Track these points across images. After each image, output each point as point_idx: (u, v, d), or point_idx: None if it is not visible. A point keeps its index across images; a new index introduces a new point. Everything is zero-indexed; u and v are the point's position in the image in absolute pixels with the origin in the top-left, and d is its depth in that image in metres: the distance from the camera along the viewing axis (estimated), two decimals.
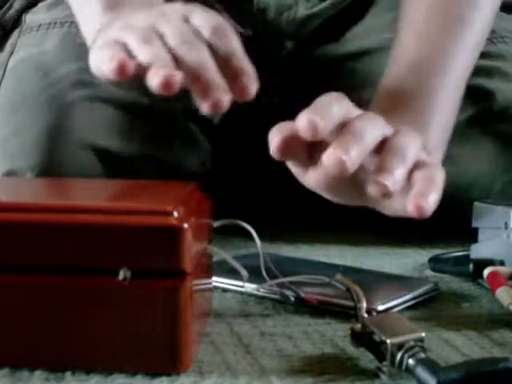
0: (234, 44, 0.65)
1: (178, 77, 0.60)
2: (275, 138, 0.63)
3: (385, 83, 0.81)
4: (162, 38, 0.64)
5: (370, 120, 0.64)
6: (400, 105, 0.77)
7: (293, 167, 0.67)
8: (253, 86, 0.62)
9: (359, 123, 0.63)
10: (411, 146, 0.64)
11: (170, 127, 0.88)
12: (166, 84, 0.59)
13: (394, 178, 0.61)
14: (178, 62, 0.62)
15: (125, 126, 0.85)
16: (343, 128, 0.62)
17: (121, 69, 0.61)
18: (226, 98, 0.60)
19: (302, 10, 0.98)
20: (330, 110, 0.63)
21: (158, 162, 0.86)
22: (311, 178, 0.67)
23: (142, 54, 0.63)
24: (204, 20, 0.66)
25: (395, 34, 0.84)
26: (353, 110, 0.65)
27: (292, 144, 0.63)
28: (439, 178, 0.63)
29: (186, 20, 0.66)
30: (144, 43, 0.63)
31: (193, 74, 0.61)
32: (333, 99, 0.64)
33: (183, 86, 0.60)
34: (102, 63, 0.64)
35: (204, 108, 0.61)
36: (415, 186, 0.62)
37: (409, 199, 0.61)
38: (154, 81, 0.60)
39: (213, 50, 0.64)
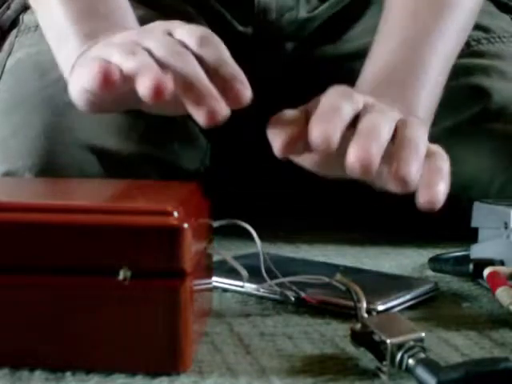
0: (222, 52, 0.63)
1: (169, 82, 0.58)
2: (277, 141, 0.63)
3: (374, 57, 0.80)
4: (147, 51, 0.63)
5: (381, 113, 0.64)
6: (389, 79, 0.77)
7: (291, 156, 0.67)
8: (247, 91, 0.62)
9: (372, 119, 0.63)
10: (422, 139, 0.64)
11: (168, 125, 0.88)
12: (156, 90, 0.58)
13: (413, 172, 0.61)
14: (166, 71, 0.60)
15: (122, 125, 0.85)
16: (358, 125, 0.62)
17: (106, 78, 0.59)
18: (221, 106, 0.59)
19: (303, 12, 0.98)
20: (339, 113, 0.62)
21: (157, 160, 0.86)
22: (307, 160, 0.67)
23: (128, 64, 0.61)
24: (188, 32, 0.64)
25: (382, 16, 0.84)
26: (360, 101, 0.65)
27: (294, 144, 0.63)
28: (446, 167, 0.63)
29: (170, 34, 0.65)
30: (129, 55, 0.62)
31: (183, 84, 0.60)
32: (339, 98, 0.64)
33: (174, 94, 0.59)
34: (84, 79, 0.62)
35: (200, 119, 0.60)
36: (424, 177, 0.62)
37: (420, 192, 0.61)
38: (142, 88, 0.59)
39: (201, 60, 0.62)
